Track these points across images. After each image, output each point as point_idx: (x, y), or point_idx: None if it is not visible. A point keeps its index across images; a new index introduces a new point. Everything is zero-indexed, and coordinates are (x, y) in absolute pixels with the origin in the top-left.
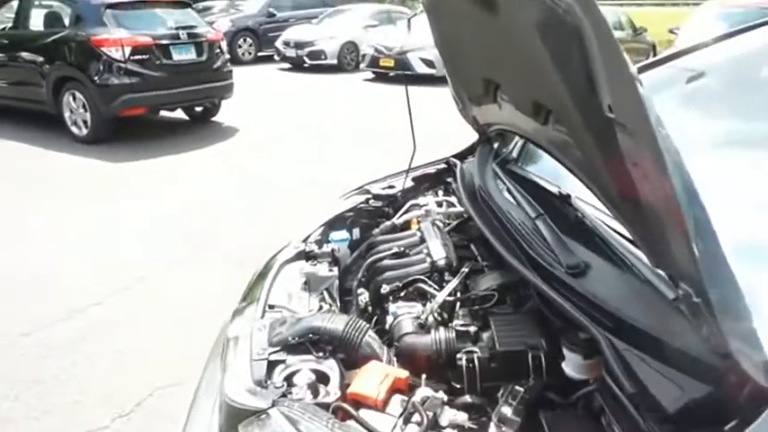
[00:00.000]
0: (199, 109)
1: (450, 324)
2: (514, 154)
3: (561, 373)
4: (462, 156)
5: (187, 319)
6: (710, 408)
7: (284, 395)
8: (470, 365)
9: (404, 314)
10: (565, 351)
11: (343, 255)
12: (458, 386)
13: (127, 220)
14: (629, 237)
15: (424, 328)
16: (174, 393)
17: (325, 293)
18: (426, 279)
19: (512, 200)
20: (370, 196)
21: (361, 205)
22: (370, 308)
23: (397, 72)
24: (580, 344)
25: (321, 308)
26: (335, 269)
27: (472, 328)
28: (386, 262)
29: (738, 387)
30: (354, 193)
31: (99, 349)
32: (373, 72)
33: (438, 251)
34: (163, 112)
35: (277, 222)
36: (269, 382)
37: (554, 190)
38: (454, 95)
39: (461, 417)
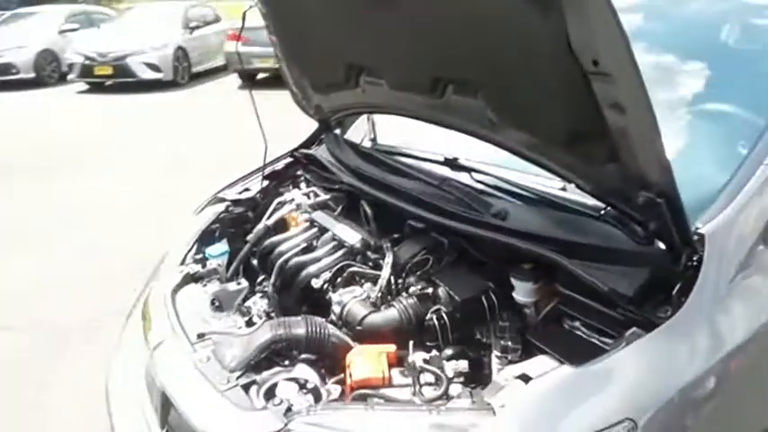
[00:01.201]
0: None
1: (407, 292)
2: (366, 135)
3: (513, 303)
4: (306, 146)
5: None
6: (656, 282)
7: (289, 409)
8: (441, 322)
9: (350, 299)
10: (514, 282)
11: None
12: (432, 344)
13: None
14: (527, 183)
15: (376, 306)
16: None
17: (250, 307)
18: (355, 262)
19: (399, 173)
20: (228, 204)
21: (223, 215)
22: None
23: (118, 80)
24: (527, 273)
25: (252, 322)
26: (244, 282)
27: (430, 290)
28: (298, 259)
29: (674, 259)
30: (209, 203)
31: None
32: (87, 83)
33: (351, 234)
34: None
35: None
36: (263, 405)
37: (436, 158)
38: (294, 88)
39: (462, 364)
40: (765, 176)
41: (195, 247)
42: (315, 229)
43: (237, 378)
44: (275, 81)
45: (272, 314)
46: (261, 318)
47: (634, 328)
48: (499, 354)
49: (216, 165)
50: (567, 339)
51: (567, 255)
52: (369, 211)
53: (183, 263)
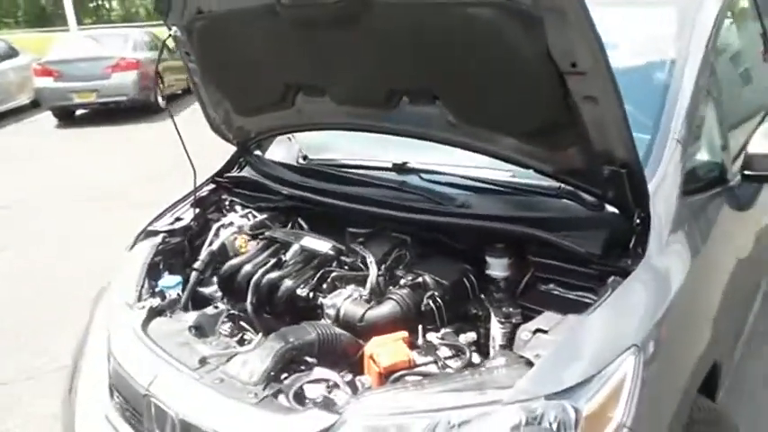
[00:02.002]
0: None
1: (398, 285)
2: (298, 154)
3: (491, 279)
4: (225, 172)
5: None
6: (614, 239)
7: (333, 404)
8: (437, 305)
9: (342, 301)
10: (490, 260)
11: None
12: (430, 327)
13: None
14: (479, 176)
15: (369, 302)
16: None
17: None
18: (334, 268)
19: (351, 182)
20: (164, 235)
21: (162, 246)
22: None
23: None
24: (501, 250)
25: (245, 340)
26: (221, 305)
27: (420, 279)
28: (273, 275)
29: (625, 220)
30: (141, 239)
31: None
32: None
33: (320, 244)
34: None
35: None
36: (307, 406)
37: (384, 165)
38: (211, 112)
39: (471, 335)
40: (675, 148)
41: (145, 282)
42: (276, 245)
43: (264, 390)
44: (97, 117)
45: (258, 331)
46: (255, 335)
47: (613, 277)
48: (503, 320)
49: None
50: (553, 298)
51: (536, 229)
52: (305, 225)
53: (139, 299)
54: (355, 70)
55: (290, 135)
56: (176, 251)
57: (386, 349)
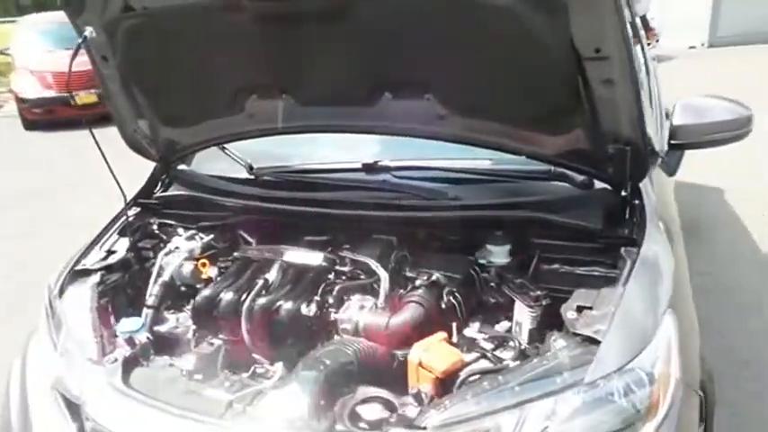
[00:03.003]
0: None
1: (412, 286)
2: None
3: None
4: (149, 191)
5: None
6: (610, 213)
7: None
8: (457, 299)
9: (359, 313)
10: (492, 248)
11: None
12: (451, 323)
13: None
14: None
15: (384, 309)
16: None
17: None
18: (335, 280)
19: (321, 188)
20: (102, 273)
21: (101, 287)
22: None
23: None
24: (501, 237)
25: (259, 374)
26: (216, 341)
27: (434, 277)
28: (265, 299)
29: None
30: (69, 281)
31: None
32: None
33: (310, 256)
34: None
35: None
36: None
37: (354, 166)
38: (131, 126)
39: (504, 324)
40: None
41: (101, 330)
42: (253, 265)
43: (319, 422)
44: None
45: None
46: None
47: (625, 247)
48: (532, 303)
49: None
50: (563, 276)
51: (539, 212)
52: (251, 239)
53: (104, 352)
54: (332, 67)
55: (224, 146)
56: (120, 289)
57: (435, 354)
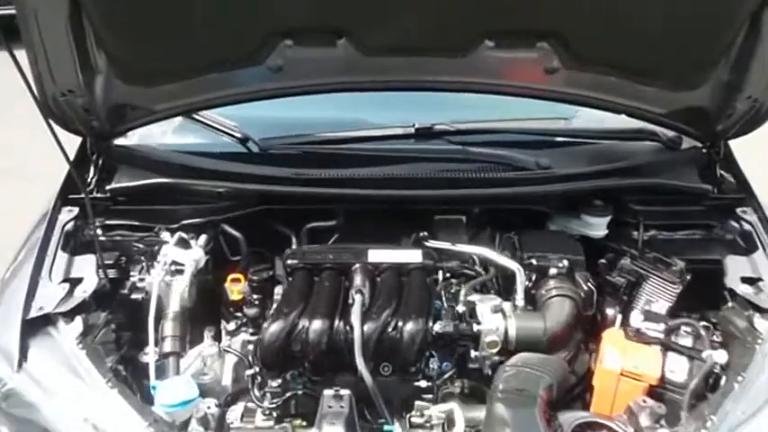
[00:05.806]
0: None
1: (545, 276)
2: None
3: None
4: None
5: None
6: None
7: None
8: (594, 285)
9: (505, 321)
10: (591, 220)
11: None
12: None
13: None
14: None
15: (525, 308)
16: None
17: None
18: (450, 282)
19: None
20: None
21: (90, 338)
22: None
23: None
24: (601, 207)
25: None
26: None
27: (561, 264)
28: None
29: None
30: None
31: None
32: None
33: (405, 254)
34: None
35: None
36: None
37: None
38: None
39: (662, 304)
40: None
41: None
42: (326, 274)
43: None
44: None
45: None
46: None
47: (740, 207)
48: (676, 278)
49: None
50: (681, 243)
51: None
52: (240, 235)
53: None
54: (418, 3)
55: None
56: (108, 338)
57: (635, 357)
